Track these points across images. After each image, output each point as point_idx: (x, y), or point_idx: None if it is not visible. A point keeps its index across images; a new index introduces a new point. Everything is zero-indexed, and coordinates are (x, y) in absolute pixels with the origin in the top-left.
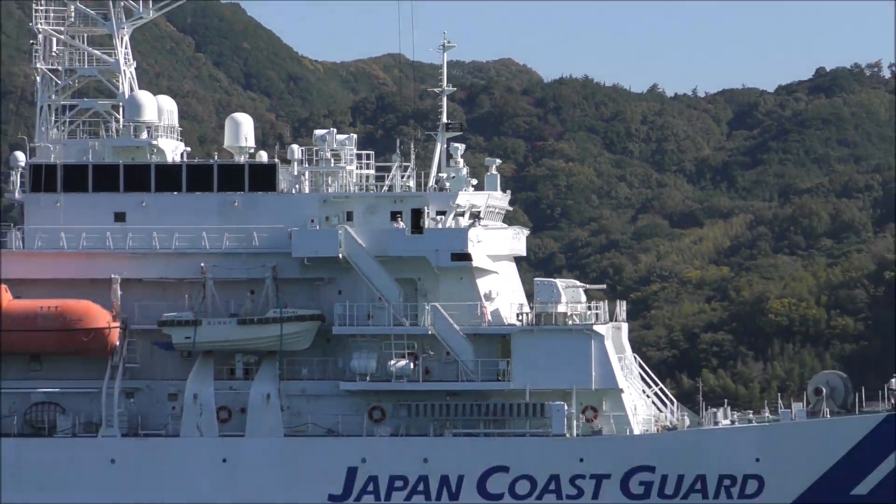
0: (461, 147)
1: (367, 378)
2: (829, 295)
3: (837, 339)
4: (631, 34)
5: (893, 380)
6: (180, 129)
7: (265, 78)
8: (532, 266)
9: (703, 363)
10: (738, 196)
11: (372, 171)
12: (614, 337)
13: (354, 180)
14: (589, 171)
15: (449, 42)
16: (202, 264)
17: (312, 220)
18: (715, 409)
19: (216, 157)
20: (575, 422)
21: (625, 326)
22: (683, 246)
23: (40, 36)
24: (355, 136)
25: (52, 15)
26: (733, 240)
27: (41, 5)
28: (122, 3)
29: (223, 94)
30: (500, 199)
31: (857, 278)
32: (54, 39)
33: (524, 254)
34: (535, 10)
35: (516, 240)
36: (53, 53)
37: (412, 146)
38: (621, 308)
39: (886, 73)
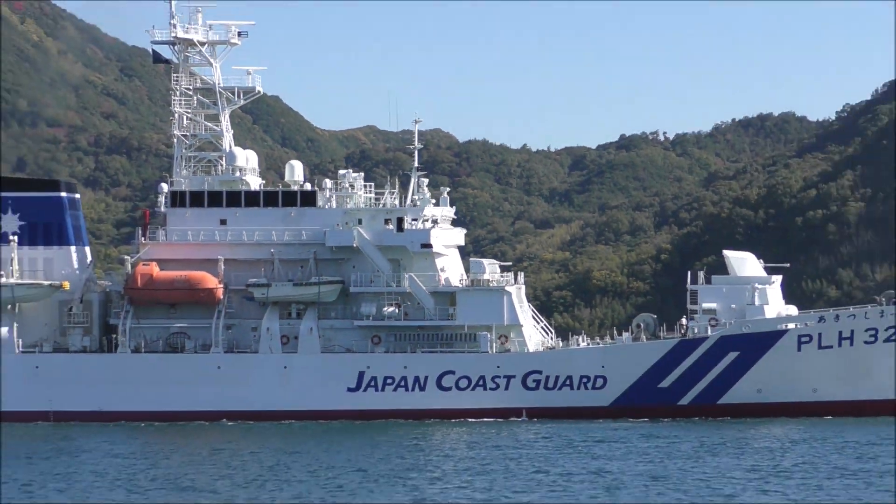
0: (426, 181)
1: (370, 318)
2: (629, 269)
3: (633, 295)
4: (510, 110)
5: (683, 319)
6: (252, 168)
7: (294, 139)
8: None
9: (554, 309)
10: (575, 210)
11: (372, 195)
12: (517, 293)
13: (362, 200)
14: (486, 195)
15: (419, 118)
16: (272, 250)
17: (338, 224)
18: (577, 336)
19: (280, 186)
20: (494, 344)
21: (523, 287)
22: (542, 240)
23: (176, 115)
24: (362, 174)
25: (183, 101)
26: (572, 236)
27: (177, 96)
28: (226, 96)
29: (269, 150)
30: (449, 212)
31: (644, 259)
32: (185, 117)
33: (462, 244)
34: (457, 95)
35: (458, 236)
36: (184, 125)
37: (397, 181)
38: (521, 277)
39: (661, 138)
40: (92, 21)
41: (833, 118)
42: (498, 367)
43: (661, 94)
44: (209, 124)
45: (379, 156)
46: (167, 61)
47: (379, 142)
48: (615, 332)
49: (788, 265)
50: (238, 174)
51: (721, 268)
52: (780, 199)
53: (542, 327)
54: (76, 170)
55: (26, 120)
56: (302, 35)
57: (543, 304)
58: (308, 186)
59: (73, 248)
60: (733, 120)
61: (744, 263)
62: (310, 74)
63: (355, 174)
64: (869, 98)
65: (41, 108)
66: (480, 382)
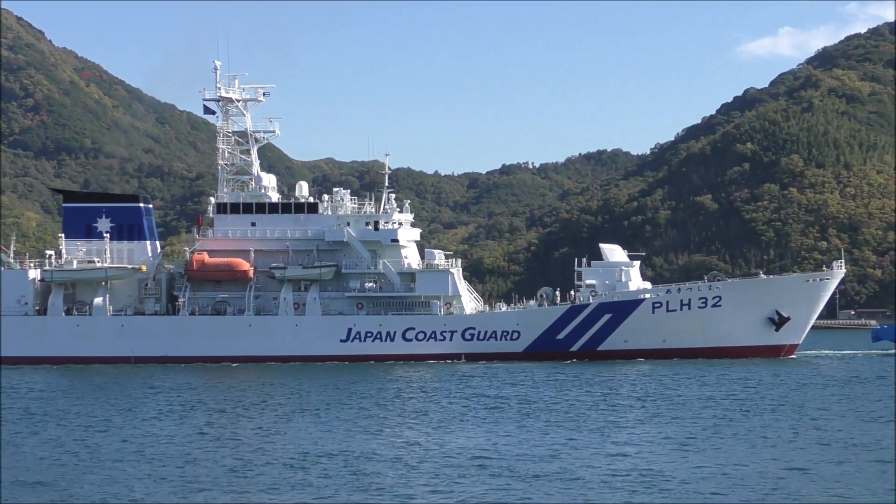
0: (393, 195)
1: (356, 291)
2: (508, 257)
3: (512, 275)
4: (427, 145)
5: (573, 291)
6: (272, 187)
7: (277, 167)
8: None
9: None
10: (471, 216)
11: (356, 205)
12: (457, 273)
13: (349, 209)
14: (410, 206)
15: (388, 153)
16: (287, 244)
17: (333, 225)
18: (499, 303)
19: (292, 199)
20: (442, 308)
21: (460, 269)
22: (448, 236)
23: (220, 149)
24: (349, 190)
25: (224, 141)
26: (469, 234)
27: (221, 137)
28: (254, 136)
29: None
30: (409, 217)
31: (519, 250)
32: (226, 152)
33: (419, 239)
34: (392, 130)
35: (416, 234)
36: (226, 157)
37: (373, 195)
38: (458, 262)
39: (530, 166)
40: (136, 85)
41: (648, 153)
42: (444, 324)
43: (531, 134)
44: (242, 156)
45: (336, 179)
46: (213, 112)
47: (335, 168)
48: (524, 300)
49: (644, 254)
50: (263, 191)
51: (595, 255)
52: (613, 209)
53: (474, 297)
54: (125, 188)
55: (90, 154)
56: (282, 87)
57: None
58: (311, 199)
59: (147, 242)
60: (580, 153)
61: (613, 252)
62: (286, 118)
63: (345, 191)
64: (673, 139)
65: (101, 146)
66: (432, 335)
